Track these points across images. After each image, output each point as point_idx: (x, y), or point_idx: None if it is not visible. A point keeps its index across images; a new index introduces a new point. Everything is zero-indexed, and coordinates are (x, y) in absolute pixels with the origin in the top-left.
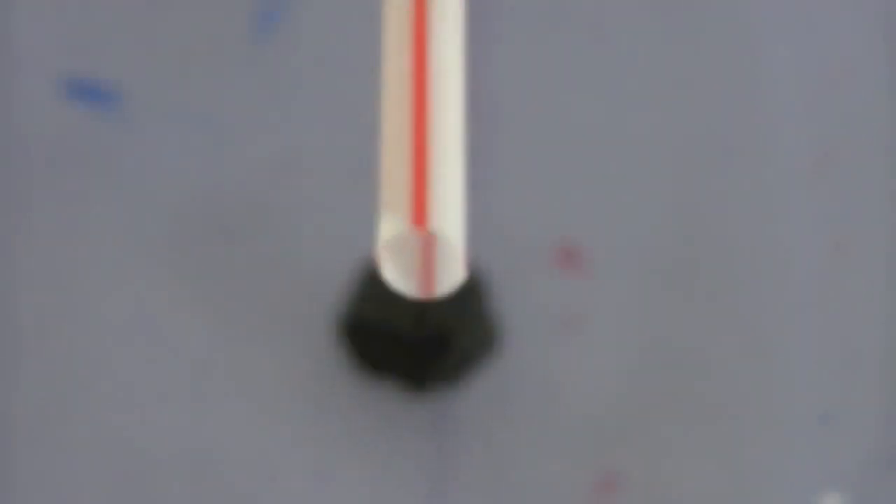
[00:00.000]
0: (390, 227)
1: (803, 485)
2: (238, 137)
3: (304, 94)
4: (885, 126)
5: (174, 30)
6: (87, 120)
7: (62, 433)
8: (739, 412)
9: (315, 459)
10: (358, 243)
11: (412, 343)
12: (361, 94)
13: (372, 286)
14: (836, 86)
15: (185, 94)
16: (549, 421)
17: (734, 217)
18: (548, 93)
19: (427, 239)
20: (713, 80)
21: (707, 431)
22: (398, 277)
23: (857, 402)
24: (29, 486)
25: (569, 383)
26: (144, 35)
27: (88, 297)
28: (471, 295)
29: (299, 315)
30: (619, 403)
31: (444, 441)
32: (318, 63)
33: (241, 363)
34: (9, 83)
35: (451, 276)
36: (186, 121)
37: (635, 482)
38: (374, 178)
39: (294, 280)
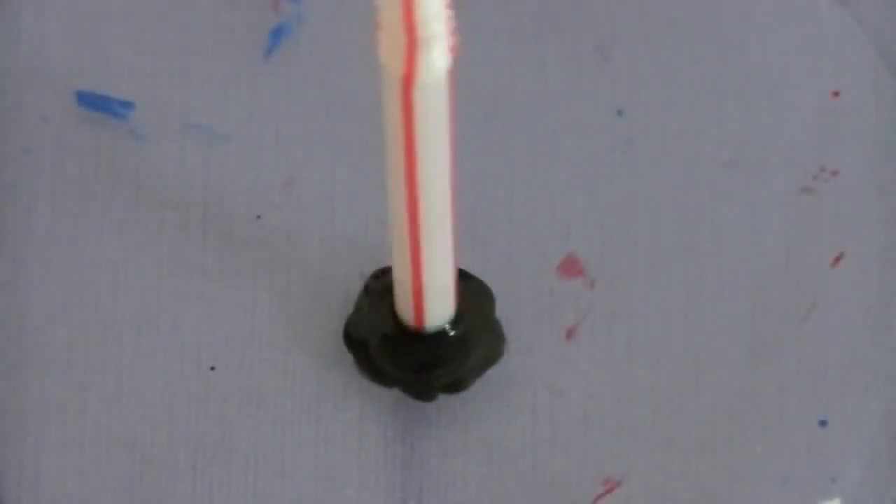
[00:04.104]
0: None
1: (803, 488)
2: (248, 149)
3: (314, 108)
4: (880, 140)
5: (186, 42)
6: (99, 130)
7: (67, 430)
8: (739, 415)
9: (317, 459)
10: (364, 251)
11: (416, 348)
12: (370, 108)
13: (378, 293)
14: (833, 100)
15: (195, 106)
16: (550, 423)
17: (735, 226)
18: (550, 99)
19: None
20: (714, 93)
21: (707, 434)
22: None
23: (856, 406)
24: (36, 482)
25: (570, 387)
26: (156, 47)
27: (96, 296)
28: (476, 302)
29: (303, 317)
30: (619, 406)
31: (445, 441)
32: (328, 78)
33: (246, 363)
34: (20, 93)
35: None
36: (196, 132)
37: (636, 485)
38: (380, 188)
39: (300, 285)
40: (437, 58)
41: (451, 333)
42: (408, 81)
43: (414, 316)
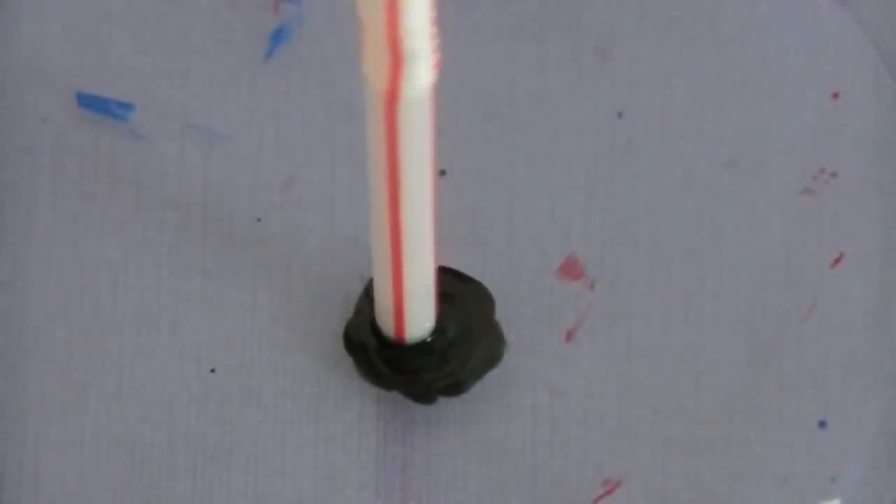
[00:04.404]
0: None
1: (803, 488)
2: (248, 150)
3: (314, 109)
4: (880, 141)
5: (186, 43)
6: (99, 130)
7: (67, 430)
8: (739, 415)
9: (317, 459)
10: (364, 252)
11: (417, 350)
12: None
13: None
14: (833, 101)
15: (195, 106)
16: (550, 423)
17: (735, 227)
18: (550, 99)
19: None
20: (714, 93)
21: (707, 434)
22: None
23: (856, 406)
24: (36, 482)
25: (570, 388)
26: (156, 48)
27: (96, 296)
28: (475, 304)
29: (303, 318)
30: (619, 406)
31: (445, 442)
32: (328, 79)
33: (246, 363)
34: (20, 93)
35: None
36: (196, 132)
37: (636, 486)
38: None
39: (300, 285)
40: (421, 74)
41: (450, 325)
42: (391, 97)
43: (394, 329)
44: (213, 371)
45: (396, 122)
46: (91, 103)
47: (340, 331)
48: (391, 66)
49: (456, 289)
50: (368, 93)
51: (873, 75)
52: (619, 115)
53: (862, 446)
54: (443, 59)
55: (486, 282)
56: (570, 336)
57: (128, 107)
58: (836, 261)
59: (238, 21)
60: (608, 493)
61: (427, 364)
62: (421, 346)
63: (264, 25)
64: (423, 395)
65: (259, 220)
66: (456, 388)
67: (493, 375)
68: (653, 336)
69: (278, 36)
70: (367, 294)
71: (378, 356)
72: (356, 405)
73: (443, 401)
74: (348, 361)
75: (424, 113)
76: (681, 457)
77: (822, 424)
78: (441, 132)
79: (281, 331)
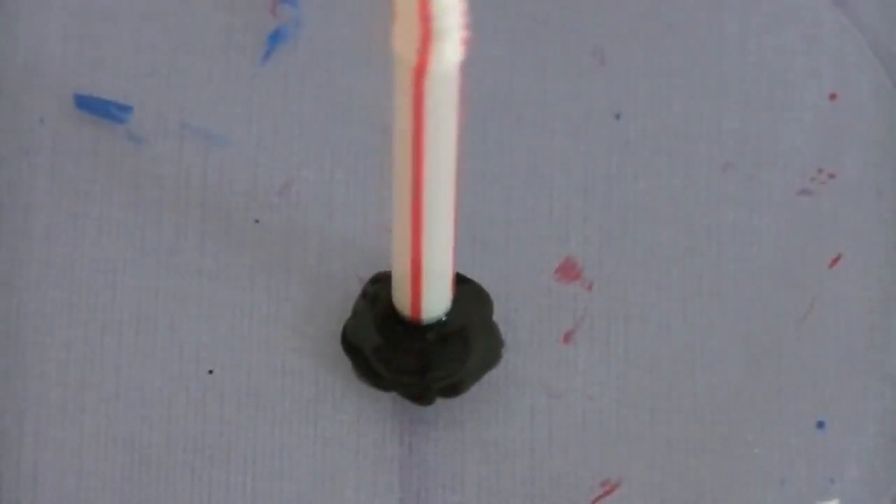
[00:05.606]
0: None
1: (801, 489)
2: (246, 151)
3: (312, 111)
4: (878, 142)
5: (184, 44)
6: (97, 131)
7: (66, 430)
8: (737, 417)
9: (315, 460)
10: (362, 253)
11: (415, 351)
12: (368, 111)
13: (376, 297)
14: (831, 102)
15: (193, 108)
16: (548, 424)
17: (733, 228)
18: (548, 101)
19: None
20: (712, 95)
21: (705, 435)
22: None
23: (854, 407)
24: (34, 482)
25: (568, 389)
26: (155, 49)
27: (94, 297)
28: (474, 305)
29: (301, 319)
30: (617, 408)
31: (443, 442)
32: (326, 81)
33: (244, 364)
34: (18, 95)
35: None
36: (194, 133)
37: (634, 487)
38: (378, 190)
39: (298, 286)
40: (450, 49)
41: (448, 326)
42: (420, 72)
43: (411, 306)
44: (210, 372)
45: (424, 97)
46: (89, 105)
47: (339, 331)
48: (421, 42)
49: (454, 289)
50: (397, 68)
51: (871, 76)
52: (617, 116)
53: (860, 447)
54: None
55: (485, 283)
56: (568, 337)
57: (126, 108)
58: (835, 261)
59: (236, 23)
60: (607, 493)
61: (425, 365)
62: (420, 345)
63: (262, 27)
64: (422, 396)
65: (257, 221)
66: (454, 389)
67: (491, 376)
68: (651, 337)
69: (276, 37)
70: (365, 296)
71: (376, 357)
72: (354, 406)
73: (441, 402)
74: (347, 362)
75: (451, 89)
76: (679, 457)
77: (820, 425)
78: None
79: (279, 332)
